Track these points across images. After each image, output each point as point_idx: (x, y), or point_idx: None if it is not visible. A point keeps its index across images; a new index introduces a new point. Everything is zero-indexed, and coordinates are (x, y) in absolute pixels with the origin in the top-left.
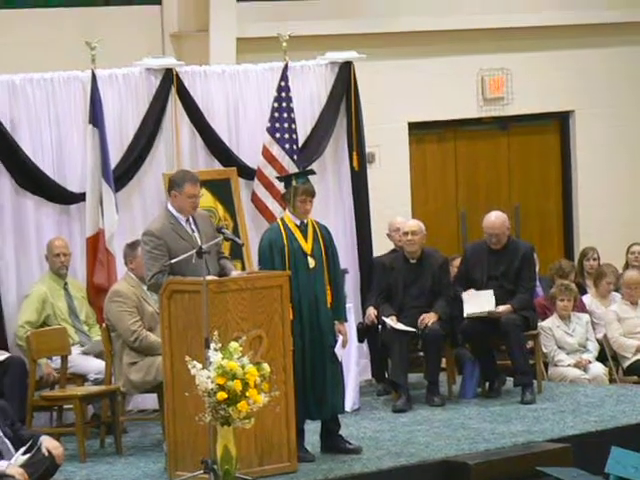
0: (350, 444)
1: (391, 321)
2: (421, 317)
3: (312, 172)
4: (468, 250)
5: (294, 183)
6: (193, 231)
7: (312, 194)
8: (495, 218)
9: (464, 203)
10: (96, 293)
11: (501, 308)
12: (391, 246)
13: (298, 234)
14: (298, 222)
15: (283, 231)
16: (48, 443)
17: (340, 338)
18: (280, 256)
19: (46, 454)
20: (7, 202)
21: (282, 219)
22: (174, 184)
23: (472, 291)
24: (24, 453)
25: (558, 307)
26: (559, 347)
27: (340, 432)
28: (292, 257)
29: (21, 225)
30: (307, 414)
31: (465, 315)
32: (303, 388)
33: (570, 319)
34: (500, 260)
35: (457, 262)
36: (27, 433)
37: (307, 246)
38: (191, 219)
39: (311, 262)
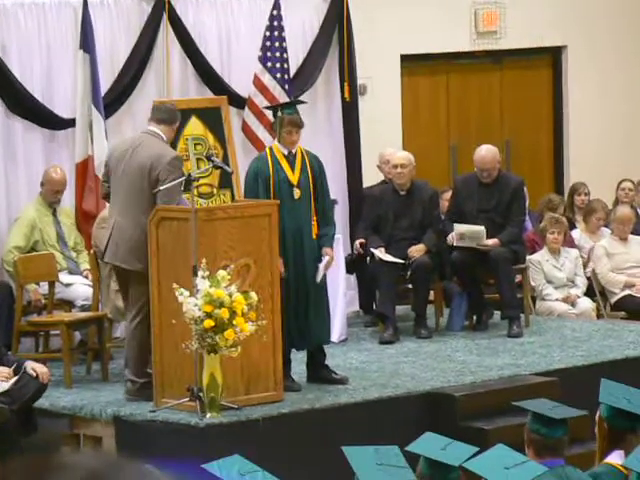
0: (336, 374)
1: (379, 252)
2: (410, 249)
3: (301, 102)
4: (458, 183)
5: (280, 113)
6: None
7: (298, 125)
8: (486, 152)
9: (455, 136)
10: (85, 219)
11: (490, 241)
12: (381, 177)
13: (285, 164)
14: (286, 152)
15: (270, 161)
16: (33, 364)
17: (325, 258)
18: (264, 185)
19: (32, 374)
20: None
21: (270, 148)
22: (178, 116)
23: (463, 226)
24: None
25: (548, 240)
26: (547, 281)
27: (326, 362)
28: (277, 187)
29: (10, 149)
30: (291, 344)
31: (454, 243)
32: (287, 318)
33: (559, 253)
34: (490, 193)
35: (447, 195)
36: (12, 358)
37: (293, 177)
38: None
39: (296, 192)
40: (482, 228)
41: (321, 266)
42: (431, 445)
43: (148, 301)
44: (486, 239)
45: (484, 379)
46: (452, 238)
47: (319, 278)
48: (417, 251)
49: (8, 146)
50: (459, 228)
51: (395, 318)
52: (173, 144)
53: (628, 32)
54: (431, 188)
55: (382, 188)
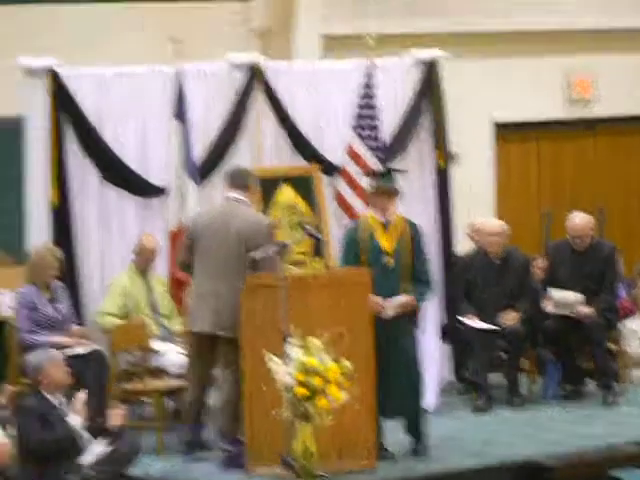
0: (419, 444)
1: (470, 320)
2: (503, 316)
3: (399, 170)
4: (551, 250)
5: (375, 181)
6: None
7: (390, 193)
8: (579, 220)
9: (547, 203)
10: (178, 286)
11: (584, 310)
12: (473, 245)
13: (380, 232)
14: (383, 219)
15: (364, 228)
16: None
17: (401, 297)
18: (356, 253)
19: (112, 423)
20: (93, 194)
21: (367, 216)
22: (253, 177)
23: (559, 290)
24: (102, 445)
25: None
26: None
27: (419, 432)
28: (369, 254)
29: (105, 217)
30: (383, 412)
31: (549, 310)
32: (379, 386)
33: None
34: (584, 261)
35: (539, 263)
36: (106, 425)
37: (387, 244)
38: None
39: (388, 260)
40: (578, 295)
41: (393, 300)
42: None
43: (239, 368)
44: (581, 306)
45: (579, 448)
46: (547, 305)
47: (389, 313)
48: (510, 319)
49: (103, 214)
50: (555, 294)
51: (488, 386)
52: (265, 212)
53: None
54: (523, 255)
55: (474, 255)
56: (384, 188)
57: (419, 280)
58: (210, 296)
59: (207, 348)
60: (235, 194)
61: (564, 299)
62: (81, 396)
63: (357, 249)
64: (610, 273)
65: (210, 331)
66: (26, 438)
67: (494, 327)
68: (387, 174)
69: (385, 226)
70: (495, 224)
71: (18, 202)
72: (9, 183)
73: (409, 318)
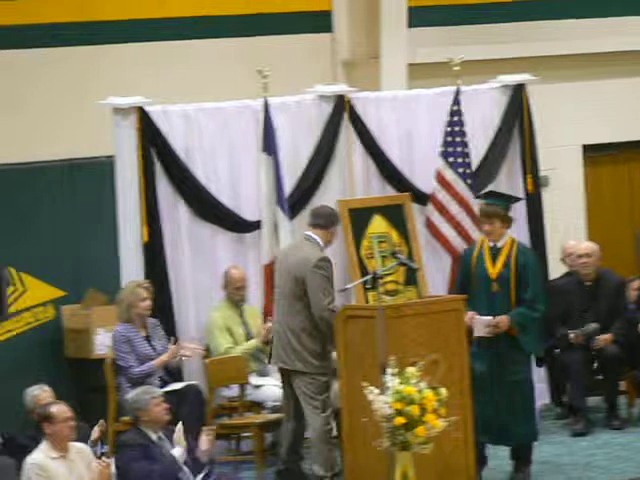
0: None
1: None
2: (597, 338)
3: (512, 197)
4: None
5: (481, 203)
6: None
7: (488, 215)
8: None
9: None
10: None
11: None
12: (565, 269)
13: (487, 257)
14: (492, 244)
15: (476, 252)
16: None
17: (490, 318)
18: (465, 276)
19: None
20: (184, 230)
21: (482, 240)
22: (337, 218)
23: None
24: (202, 479)
25: None
26: None
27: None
28: (476, 278)
29: (198, 253)
30: (487, 439)
31: None
32: (483, 413)
33: None
34: None
35: (635, 284)
36: (205, 461)
37: (493, 270)
38: None
39: (494, 286)
40: None
41: (483, 319)
42: None
43: (327, 397)
44: None
45: None
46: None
47: (477, 332)
48: (604, 340)
49: (195, 250)
50: None
51: (587, 409)
52: (358, 242)
53: None
54: (617, 277)
55: (567, 280)
56: (483, 210)
57: (521, 305)
58: (276, 332)
59: (287, 382)
60: (309, 232)
61: None
62: (179, 427)
63: (468, 273)
64: None
65: (279, 365)
66: (127, 470)
67: (596, 330)
68: (490, 196)
69: (493, 250)
70: (584, 246)
71: (114, 242)
72: (104, 223)
73: (513, 343)
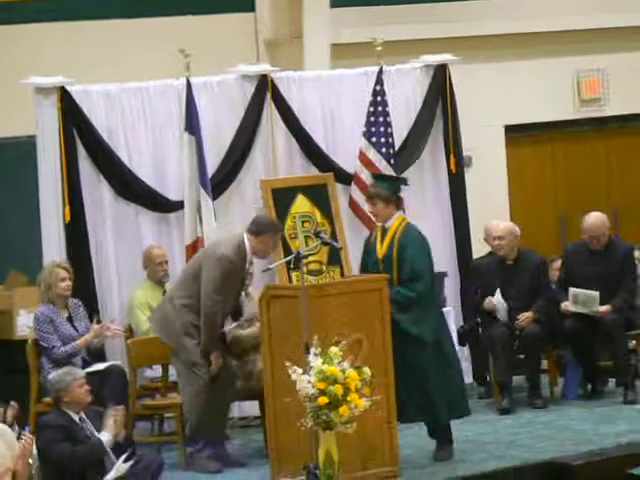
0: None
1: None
2: (519, 317)
3: (400, 179)
4: (569, 251)
5: (369, 186)
6: (249, 272)
7: (370, 197)
8: (594, 219)
9: (563, 205)
10: None
11: (602, 308)
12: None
13: (379, 238)
14: (382, 225)
15: (373, 235)
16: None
17: None
18: (364, 259)
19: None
20: (107, 210)
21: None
22: (270, 228)
23: (578, 290)
24: (125, 461)
25: None
26: None
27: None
28: (370, 260)
29: (120, 232)
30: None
31: (569, 308)
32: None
33: None
34: (601, 260)
35: (557, 264)
36: (120, 441)
37: (380, 250)
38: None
39: (380, 266)
40: (596, 293)
41: None
42: None
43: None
44: (599, 305)
45: (601, 447)
46: (566, 306)
47: None
48: (525, 319)
49: (118, 229)
50: (573, 291)
51: (511, 386)
52: (281, 222)
53: None
54: (538, 256)
55: (488, 259)
56: (367, 192)
57: (400, 285)
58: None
59: None
60: (244, 232)
61: (583, 298)
62: (111, 412)
63: (365, 254)
64: (628, 272)
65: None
66: (48, 452)
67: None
68: (375, 178)
69: (382, 232)
70: (501, 226)
71: (36, 222)
72: (26, 204)
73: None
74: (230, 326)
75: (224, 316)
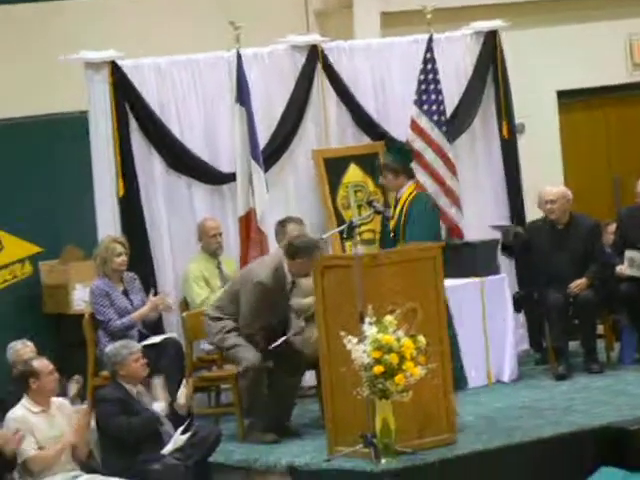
0: None
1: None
2: (571, 284)
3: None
4: (623, 215)
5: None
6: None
7: (380, 169)
8: None
9: (617, 169)
10: None
11: None
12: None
13: (392, 208)
14: (396, 194)
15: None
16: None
17: None
18: (382, 229)
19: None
20: (160, 183)
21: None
22: (305, 252)
23: (634, 252)
24: (182, 433)
25: None
26: None
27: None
28: (386, 230)
29: (174, 205)
30: None
31: (624, 270)
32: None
33: None
34: None
35: (612, 228)
36: (184, 414)
37: (393, 220)
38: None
39: (392, 235)
40: None
41: None
42: (608, 479)
43: None
44: None
45: None
46: (621, 269)
47: None
48: (578, 286)
49: (172, 203)
50: (629, 253)
51: (568, 352)
52: (334, 191)
53: None
54: (592, 220)
55: (540, 224)
56: (378, 164)
57: None
58: None
59: None
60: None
61: (639, 260)
62: (157, 381)
63: (383, 227)
64: None
65: None
66: (106, 425)
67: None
68: (387, 150)
69: (395, 202)
70: (550, 191)
71: (91, 197)
72: (80, 179)
73: None
74: (279, 341)
75: (271, 331)
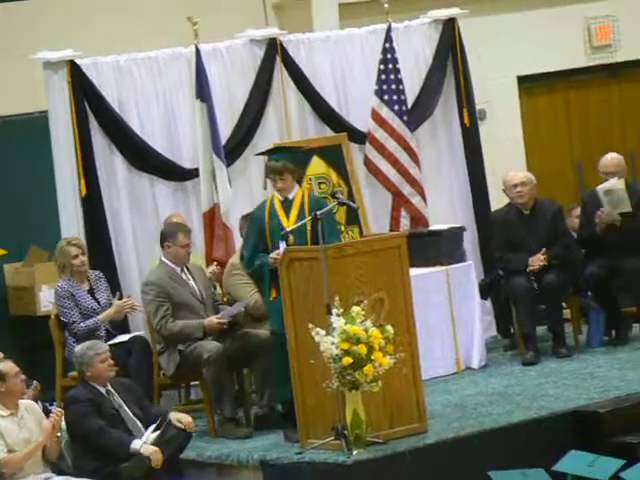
0: None
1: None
2: (530, 259)
3: (302, 151)
4: (586, 197)
5: (267, 161)
6: (189, 279)
7: (279, 172)
8: (611, 157)
9: (579, 153)
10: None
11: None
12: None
13: (280, 211)
14: (282, 198)
15: (267, 208)
16: (176, 415)
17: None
18: (258, 233)
19: (178, 424)
20: (122, 182)
21: (271, 196)
22: (167, 236)
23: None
24: (154, 431)
25: None
26: None
27: None
28: (272, 233)
29: (137, 203)
30: None
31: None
32: None
33: None
34: None
35: (577, 212)
36: (156, 411)
37: (287, 223)
38: (185, 269)
39: (290, 238)
40: (623, 188)
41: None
42: (577, 463)
43: None
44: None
45: (628, 393)
46: (603, 212)
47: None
48: (536, 260)
49: (134, 201)
50: (602, 187)
51: (536, 338)
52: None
53: None
54: (555, 204)
55: (507, 210)
56: (272, 166)
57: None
58: None
59: None
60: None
61: (615, 189)
62: (148, 436)
63: (258, 229)
64: None
65: None
66: (79, 425)
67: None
68: (275, 152)
69: (284, 204)
70: (518, 175)
71: (53, 196)
72: (42, 180)
73: None
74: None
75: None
